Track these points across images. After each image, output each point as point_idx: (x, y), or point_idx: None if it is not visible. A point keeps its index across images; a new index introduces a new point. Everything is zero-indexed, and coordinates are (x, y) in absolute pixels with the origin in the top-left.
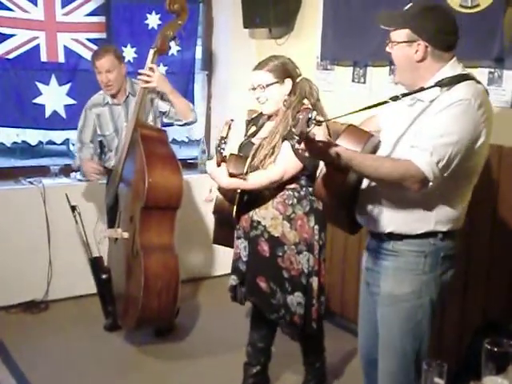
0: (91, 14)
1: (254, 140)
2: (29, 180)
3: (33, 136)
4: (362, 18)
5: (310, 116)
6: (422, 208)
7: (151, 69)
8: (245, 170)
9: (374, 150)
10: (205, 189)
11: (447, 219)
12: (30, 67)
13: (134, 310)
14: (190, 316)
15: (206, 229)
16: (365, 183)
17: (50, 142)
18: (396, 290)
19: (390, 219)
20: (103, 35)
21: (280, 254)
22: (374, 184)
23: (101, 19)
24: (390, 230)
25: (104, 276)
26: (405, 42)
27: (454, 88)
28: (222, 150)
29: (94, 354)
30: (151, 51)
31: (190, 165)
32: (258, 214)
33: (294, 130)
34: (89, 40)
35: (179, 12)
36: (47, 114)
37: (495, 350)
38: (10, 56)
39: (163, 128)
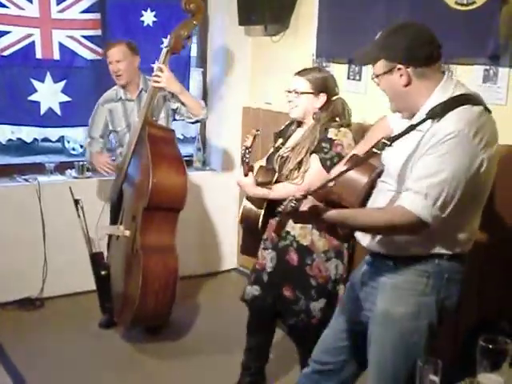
0: (86, 10)
1: (281, 152)
2: (24, 177)
3: (28, 133)
4: (357, 14)
5: (292, 198)
6: (426, 236)
7: (160, 69)
8: (273, 181)
9: (379, 177)
10: (201, 185)
11: (454, 243)
12: (25, 64)
13: (130, 308)
14: (187, 314)
15: (204, 226)
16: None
17: (45, 140)
18: (391, 309)
19: (392, 244)
20: (98, 32)
21: (309, 262)
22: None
23: (96, 16)
24: (393, 253)
25: (103, 272)
26: (385, 72)
27: (446, 118)
28: (246, 160)
29: (90, 351)
30: (164, 50)
31: (186, 162)
32: (288, 224)
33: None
34: (84, 37)
35: (195, 12)
36: (42, 111)
37: (490, 347)
38: (5, 53)
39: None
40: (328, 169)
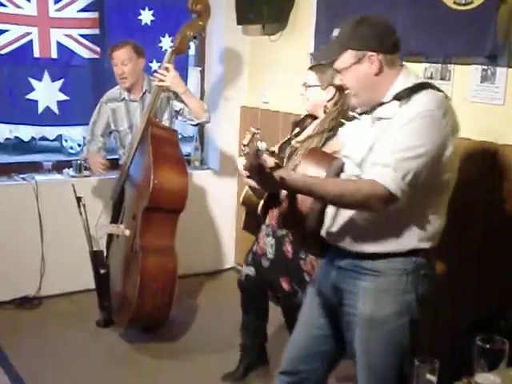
0: (84, 9)
1: (293, 142)
2: (21, 176)
3: (26, 132)
4: (355, 14)
5: (259, 147)
6: (400, 225)
7: (166, 68)
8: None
9: (338, 173)
10: (198, 184)
11: (425, 236)
12: (23, 63)
13: (127, 309)
14: (185, 313)
15: (201, 225)
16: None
17: (43, 138)
18: (376, 312)
19: (370, 240)
20: (96, 31)
21: (303, 256)
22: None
23: (94, 15)
24: (371, 251)
25: (103, 271)
26: (354, 63)
27: (413, 99)
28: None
29: (88, 350)
30: (169, 50)
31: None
32: None
33: (244, 164)
34: (82, 36)
35: (201, 12)
36: (40, 109)
37: (487, 346)
38: (3, 52)
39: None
40: None
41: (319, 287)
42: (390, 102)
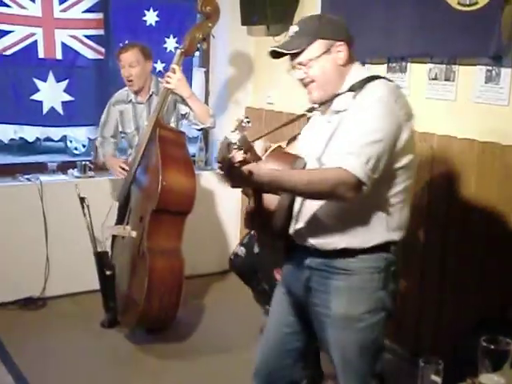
0: (89, 10)
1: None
2: (26, 177)
3: (30, 133)
4: (360, 15)
5: (231, 141)
6: (368, 216)
7: (173, 70)
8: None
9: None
10: (203, 185)
11: (394, 226)
12: (28, 64)
13: (134, 311)
14: (191, 313)
15: (207, 225)
16: (300, 202)
17: (48, 139)
18: (351, 311)
19: (341, 234)
20: (101, 32)
21: None
22: (314, 202)
23: (98, 16)
24: (343, 246)
25: (108, 272)
26: (324, 52)
27: (366, 89)
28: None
29: (93, 351)
30: (178, 52)
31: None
32: None
33: (216, 157)
34: (86, 37)
35: (210, 14)
36: (45, 110)
37: (491, 347)
38: (8, 52)
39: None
40: None
41: (289, 287)
42: (344, 93)
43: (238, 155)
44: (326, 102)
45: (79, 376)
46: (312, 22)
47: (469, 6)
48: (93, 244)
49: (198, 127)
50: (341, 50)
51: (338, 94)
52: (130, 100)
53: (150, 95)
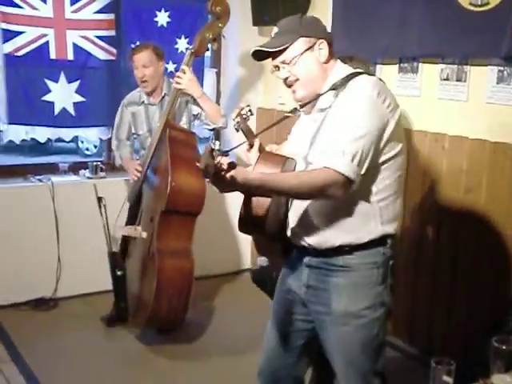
0: (100, 11)
1: None
2: (38, 177)
3: (42, 133)
4: (372, 15)
5: (213, 147)
6: (362, 211)
7: (183, 70)
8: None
9: (292, 171)
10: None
11: (390, 218)
12: (39, 64)
13: (144, 311)
14: (201, 314)
15: (217, 226)
16: (294, 203)
17: (59, 140)
18: (351, 307)
19: (336, 231)
20: (112, 32)
21: None
22: (303, 202)
23: (110, 16)
24: (340, 243)
25: (119, 272)
26: (306, 49)
27: (348, 86)
28: (237, 130)
29: (103, 351)
30: (188, 52)
31: None
32: None
33: (198, 164)
34: (98, 37)
35: (221, 15)
36: (56, 111)
37: (503, 348)
38: (20, 53)
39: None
40: None
41: (289, 286)
42: (326, 92)
43: (223, 161)
44: (309, 102)
45: (90, 376)
46: (292, 22)
47: (480, 6)
48: (108, 244)
49: (210, 127)
50: (322, 48)
51: (321, 94)
52: (143, 101)
53: (163, 97)
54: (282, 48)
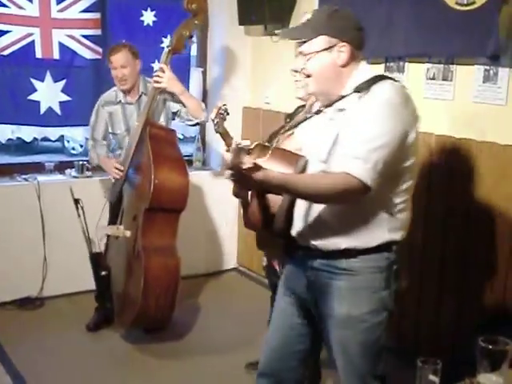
0: (86, 10)
1: (282, 131)
2: (24, 177)
3: (28, 133)
4: (357, 14)
5: (242, 146)
6: (371, 216)
7: (162, 69)
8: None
9: (303, 171)
10: (200, 185)
11: (397, 225)
12: (25, 64)
13: (131, 310)
14: (187, 313)
15: (204, 225)
16: (302, 203)
17: (45, 139)
18: (353, 311)
19: (343, 235)
20: (98, 32)
21: None
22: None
23: (96, 15)
24: (345, 246)
25: (104, 273)
26: (324, 49)
27: (373, 90)
28: (217, 132)
29: (89, 350)
30: (165, 50)
31: (186, 162)
32: None
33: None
34: (84, 36)
35: (197, 12)
36: (42, 110)
37: (490, 347)
38: (5, 52)
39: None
40: None
41: (292, 288)
42: (350, 94)
43: (248, 161)
44: (332, 104)
45: (76, 375)
46: (321, 16)
47: (466, 5)
48: (88, 245)
49: (192, 122)
50: (343, 51)
51: (344, 96)
52: (120, 101)
53: (140, 95)
54: (300, 41)
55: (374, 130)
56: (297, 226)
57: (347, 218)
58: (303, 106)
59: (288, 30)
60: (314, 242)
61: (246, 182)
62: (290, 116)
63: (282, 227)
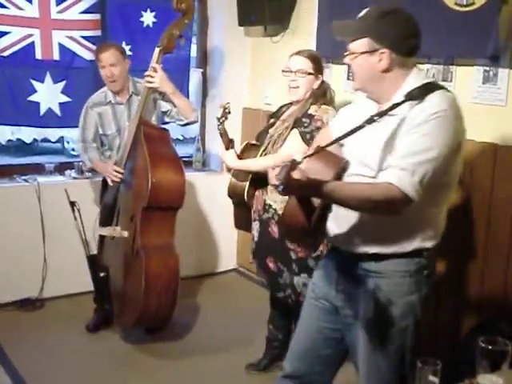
0: (86, 11)
1: (270, 130)
2: (24, 178)
3: (28, 134)
4: (357, 15)
5: (296, 159)
6: (407, 226)
7: (154, 69)
8: (258, 156)
9: (343, 171)
10: (200, 186)
11: (431, 234)
12: (25, 65)
13: (132, 310)
14: (187, 314)
15: (203, 226)
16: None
17: (45, 140)
18: (379, 314)
19: (377, 240)
20: (98, 33)
21: None
22: None
23: (96, 17)
24: (375, 251)
25: (102, 274)
26: (366, 52)
27: (427, 100)
28: (220, 131)
29: (90, 351)
30: (156, 50)
31: (185, 163)
32: (269, 197)
33: (274, 183)
34: (84, 37)
35: (186, 11)
36: (42, 111)
37: (489, 348)
38: (5, 53)
39: (166, 128)
40: (308, 142)
41: (320, 290)
42: (402, 102)
43: (296, 173)
44: (386, 112)
45: (76, 376)
46: (373, 15)
47: (466, 6)
48: (85, 247)
49: (182, 122)
50: (382, 58)
51: (395, 105)
52: (109, 101)
53: (130, 95)
54: (346, 38)
55: (425, 143)
56: (329, 227)
57: (381, 225)
58: (286, 104)
59: (339, 24)
60: (348, 246)
61: (296, 191)
62: (274, 115)
63: (315, 226)
